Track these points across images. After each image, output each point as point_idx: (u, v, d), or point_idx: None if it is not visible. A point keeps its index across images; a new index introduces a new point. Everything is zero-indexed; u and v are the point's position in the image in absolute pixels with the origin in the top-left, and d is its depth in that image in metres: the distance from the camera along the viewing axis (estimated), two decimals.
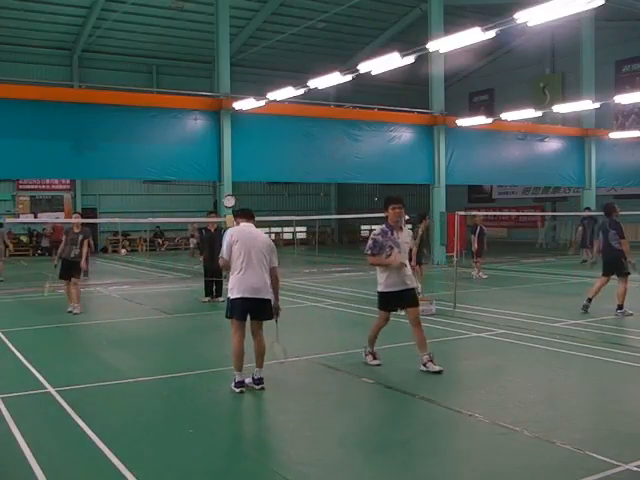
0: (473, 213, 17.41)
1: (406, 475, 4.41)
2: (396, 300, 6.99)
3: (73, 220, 12.26)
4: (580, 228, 20.17)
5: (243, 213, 6.70)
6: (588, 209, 21.71)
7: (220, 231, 13.08)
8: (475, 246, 16.61)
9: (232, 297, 6.28)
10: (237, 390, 6.23)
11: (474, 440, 5.08)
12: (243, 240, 6.31)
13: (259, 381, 6.32)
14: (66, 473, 4.48)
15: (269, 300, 6.32)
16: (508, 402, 5.85)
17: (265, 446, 5.10)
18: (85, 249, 11.63)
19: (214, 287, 13.05)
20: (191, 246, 26.11)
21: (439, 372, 6.74)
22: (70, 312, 11.57)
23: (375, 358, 7.29)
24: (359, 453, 4.72)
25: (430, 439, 5.06)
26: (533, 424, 5.19)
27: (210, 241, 12.89)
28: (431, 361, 6.85)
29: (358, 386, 6.49)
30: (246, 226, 6.54)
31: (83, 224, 12.19)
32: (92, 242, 12.52)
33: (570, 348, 8.04)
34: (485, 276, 16.51)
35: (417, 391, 6.17)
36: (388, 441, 4.95)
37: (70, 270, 11.59)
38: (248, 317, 6.32)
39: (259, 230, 6.55)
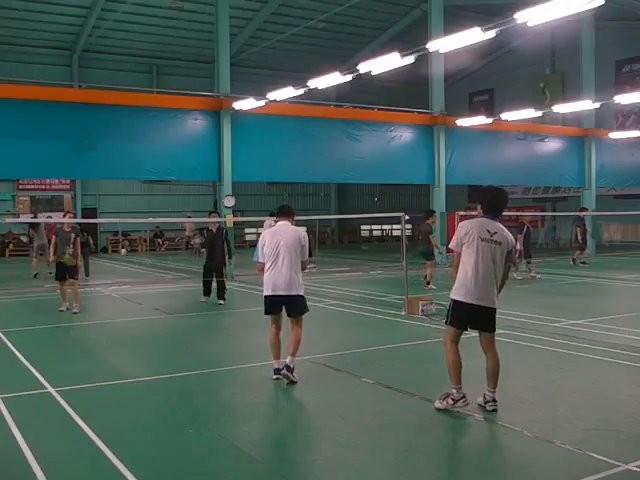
0: (518, 214, 17.73)
1: (406, 475, 4.40)
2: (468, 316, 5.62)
3: (65, 220, 12.26)
4: (578, 229, 20.04)
5: (279, 212, 7.00)
6: (585, 209, 21.63)
7: (222, 231, 13.06)
8: (521, 247, 16.29)
9: (264, 294, 6.69)
10: (274, 377, 6.58)
11: (474, 440, 5.08)
12: (271, 239, 6.66)
13: (288, 369, 6.53)
14: (66, 473, 4.48)
15: (298, 295, 6.62)
16: (508, 402, 5.85)
17: (265, 446, 5.10)
18: (78, 248, 11.69)
19: (216, 288, 12.92)
20: (195, 246, 26.17)
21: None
22: (62, 311, 11.66)
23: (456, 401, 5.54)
24: (359, 453, 4.71)
25: (430, 439, 5.05)
26: (533, 424, 5.19)
27: (211, 241, 12.87)
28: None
29: (358, 386, 6.49)
30: (279, 225, 6.83)
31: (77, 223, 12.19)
32: (91, 240, 12.54)
33: (570, 348, 8.04)
34: (539, 276, 16.23)
35: (417, 391, 6.18)
36: (388, 441, 4.94)
37: (65, 271, 11.60)
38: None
39: (292, 227, 6.81)
